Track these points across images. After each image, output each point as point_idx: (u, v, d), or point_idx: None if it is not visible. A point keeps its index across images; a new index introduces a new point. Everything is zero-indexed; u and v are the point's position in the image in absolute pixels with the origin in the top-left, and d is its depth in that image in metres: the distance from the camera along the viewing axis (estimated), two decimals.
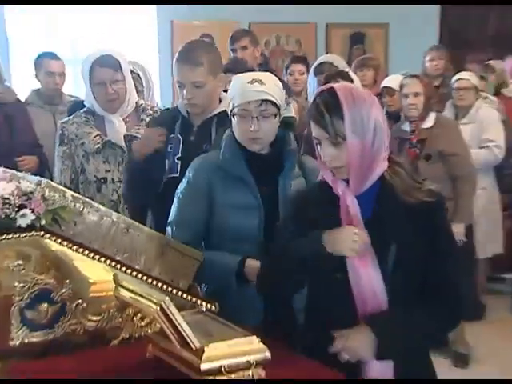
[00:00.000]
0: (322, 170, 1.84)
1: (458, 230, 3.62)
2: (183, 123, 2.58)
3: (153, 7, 6.78)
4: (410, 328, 1.73)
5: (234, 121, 2.20)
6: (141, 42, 6.86)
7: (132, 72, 3.24)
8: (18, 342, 1.78)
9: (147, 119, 2.95)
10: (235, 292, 2.14)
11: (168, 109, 2.70)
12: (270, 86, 2.16)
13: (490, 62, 5.56)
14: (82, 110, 3.06)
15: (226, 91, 2.82)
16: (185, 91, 2.49)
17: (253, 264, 2.08)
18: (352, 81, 3.60)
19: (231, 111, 2.20)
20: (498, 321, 4.21)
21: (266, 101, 2.14)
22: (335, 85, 1.80)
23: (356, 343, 1.69)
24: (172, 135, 2.58)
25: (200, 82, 2.47)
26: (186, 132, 2.58)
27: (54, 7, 6.69)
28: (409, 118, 3.84)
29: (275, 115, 2.17)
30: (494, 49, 7.34)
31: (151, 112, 3.00)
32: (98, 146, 2.95)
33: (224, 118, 2.52)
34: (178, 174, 2.52)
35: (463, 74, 4.59)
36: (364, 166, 1.74)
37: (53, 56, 4.24)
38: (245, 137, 2.18)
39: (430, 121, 3.82)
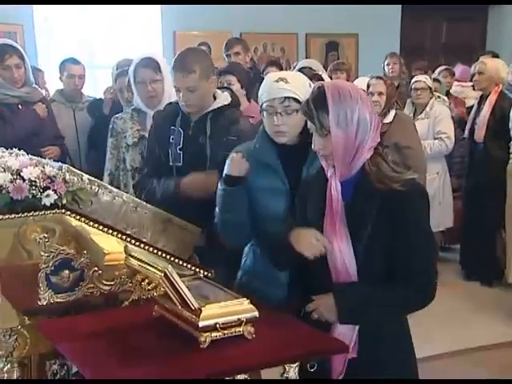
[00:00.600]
0: (321, 158, 1.79)
1: None
2: (183, 118, 2.52)
3: (158, 20, 6.73)
4: (371, 301, 1.68)
5: (263, 116, 2.12)
6: (147, 49, 6.80)
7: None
8: (45, 302, 1.77)
9: None
10: (263, 265, 2.07)
11: (171, 103, 2.64)
12: (294, 85, 2.07)
13: (447, 67, 5.64)
14: (131, 107, 3.03)
15: (220, 88, 2.80)
16: (181, 95, 2.44)
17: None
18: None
19: (261, 107, 2.13)
20: (449, 283, 4.28)
21: (289, 98, 2.05)
22: (325, 83, 1.75)
23: (321, 306, 1.69)
24: (173, 127, 2.53)
25: (193, 87, 2.40)
26: (185, 126, 2.52)
27: (73, 17, 6.61)
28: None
29: (298, 111, 2.05)
30: (445, 56, 7.43)
31: None
32: (135, 139, 2.94)
33: (218, 114, 2.49)
34: (181, 164, 2.47)
35: (420, 77, 4.66)
36: (347, 156, 1.69)
37: (74, 61, 4.24)
38: (271, 130, 2.10)
39: (390, 117, 3.78)
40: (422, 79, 4.58)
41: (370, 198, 1.69)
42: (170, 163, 2.51)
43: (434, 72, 5.61)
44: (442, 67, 5.64)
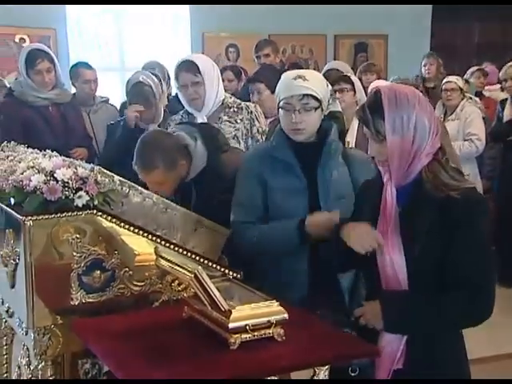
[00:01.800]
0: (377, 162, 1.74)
1: None
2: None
3: (186, 22, 6.77)
4: (421, 313, 1.62)
5: (280, 113, 2.11)
6: (177, 51, 6.85)
7: (144, 84, 3.23)
8: (77, 302, 1.78)
9: (224, 117, 2.85)
10: (281, 266, 2.08)
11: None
12: (312, 82, 2.06)
13: (480, 67, 5.55)
14: (183, 110, 3.04)
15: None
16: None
17: (312, 218, 1.98)
18: (352, 84, 3.57)
19: (278, 104, 2.12)
20: None
21: (308, 95, 2.04)
22: (382, 86, 1.71)
23: (368, 313, 1.66)
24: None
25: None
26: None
27: (104, 20, 6.70)
28: None
29: (316, 108, 2.07)
30: (477, 57, 7.31)
31: (235, 109, 2.88)
32: None
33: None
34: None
35: (450, 78, 4.59)
36: (404, 162, 1.63)
37: (87, 66, 4.25)
38: (288, 127, 2.09)
39: None
40: (453, 80, 4.52)
41: (426, 206, 1.63)
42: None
43: (465, 73, 5.53)
44: (475, 68, 5.55)
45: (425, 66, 5.41)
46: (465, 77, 5.21)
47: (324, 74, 3.92)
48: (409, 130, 1.61)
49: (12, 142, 2.24)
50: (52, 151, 1.99)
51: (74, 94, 4.26)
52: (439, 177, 1.64)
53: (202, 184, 2.32)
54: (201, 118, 2.85)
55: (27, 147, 2.13)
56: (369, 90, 3.50)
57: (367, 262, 1.69)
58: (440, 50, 7.04)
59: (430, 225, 1.62)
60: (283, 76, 2.16)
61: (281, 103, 2.09)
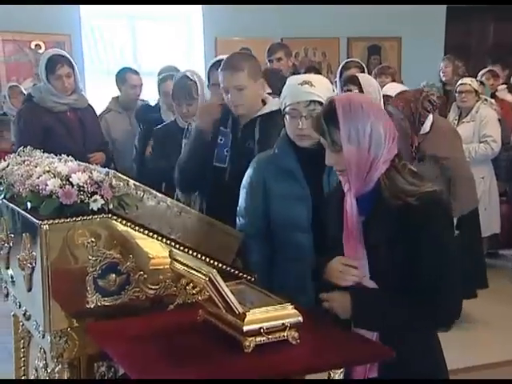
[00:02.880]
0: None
1: None
2: (233, 120, 2.52)
3: (199, 26, 6.81)
4: (388, 310, 1.62)
5: (286, 120, 2.11)
6: (190, 55, 6.89)
7: (189, 78, 3.21)
8: (92, 305, 1.80)
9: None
10: (286, 272, 2.08)
11: (222, 104, 2.64)
12: (319, 88, 2.07)
13: (491, 68, 5.51)
14: None
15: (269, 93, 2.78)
16: (229, 96, 2.43)
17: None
18: (360, 85, 3.55)
19: (283, 110, 2.12)
20: (499, 290, 4.18)
21: (314, 101, 2.04)
22: (337, 97, 1.70)
23: (336, 302, 1.66)
24: (222, 128, 2.53)
25: (241, 86, 2.40)
26: (235, 129, 2.52)
27: (118, 25, 6.75)
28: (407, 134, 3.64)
29: None
30: (492, 58, 7.25)
31: None
32: None
33: (267, 120, 2.46)
34: (226, 165, 2.48)
35: (465, 80, 4.56)
36: (362, 171, 1.64)
37: (134, 71, 4.35)
38: (294, 134, 2.09)
39: (426, 127, 3.60)
40: (467, 82, 4.49)
41: (387, 213, 1.63)
42: (214, 163, 2.52)
43: (477, 74, 5.49)
44: (485, 69, 5.52)
45: (441, 69, 5.41)
46: (477, 78, 5.18)
47: (343, 66, 4.05)
48: (364, 138, 1.61)
49: (29, 147, 2.26)
50: (71, 156, 2.01)
51: (118, 97, 4.33)
52: (396, 183, 1.63)
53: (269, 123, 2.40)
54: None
55: (49, 153, 2.14)
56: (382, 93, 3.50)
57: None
58: (454, 51, 7.01)
59: (392, 232, 1.62)
60: (289, 81, 2.17)
61: (287, 109, 2.10)
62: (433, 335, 1.75)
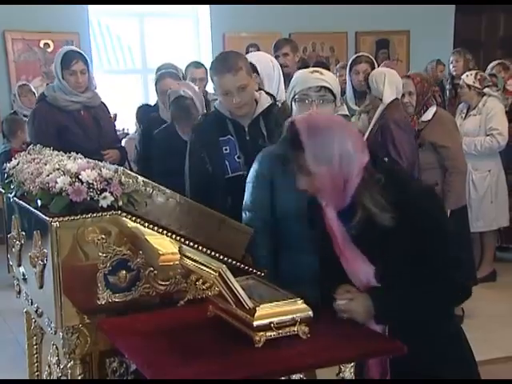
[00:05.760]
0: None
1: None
2: (235, 126, 2.46)
3: (207, 22, 6.81)
4: (407, 298, 1.63)
5: (295, 107, 2.10)
6: (198, 52, 6.89)
7: (185, 97, 3.18)
8: (103, 302, 1.80)
9: None
10: (293, 266, 2.08)
11: (207, 114, 2.60)
12: (328, 77, 2.10)
13: (501, 61, 5.47)
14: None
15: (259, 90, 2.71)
16: (234, 97, 2.38)
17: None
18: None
19: (292, 98, 2.11)
20: (509, 284, 4.17)
21: (325, 88, 2.06)
22: (296, 118, 1.65)
23: (354, 307, 1.65)
24: (222, 138, 2.46)
25: (244, 84, 2.37)
26: (239, 133, 2.47)
27: (126, 23, 6.76)
28: (408, 114, 3.66)
29: (331, 101, 2.08)
30: (502, 50, 7.18)
31: None
32: None
33: (267, 115, 2.45)
34: (242, 172, 2.42)
35: (463, 75, 4.53)
36: (337, 189, 1.61)
37: (197, 64, 4.32)
38: None
39: (429, 115, 3.67)
40: (463, 77, 4.49)
41: (374, 221, 1.60)
42: (229, 174, 2.46)
43: (487, 67, 5.44)
44: (495, 62, 5.47)
45: (451, 63, 5.37)
46: (486, 71, 5.13)
47: (354, 60, 4.11)
48: (334, 158, 1.57)
49: (44, 146, 2.27)
50: (88, 156, 2.00)
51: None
52: (364, 202, 1.60)
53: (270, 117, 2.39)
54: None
55: (65, 152, 2.14)
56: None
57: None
58: (464, 44, 6.97)
59: (388, 230, 1.59)
60: (298, 72, 2.19)
61: (296, 96, 2.09)
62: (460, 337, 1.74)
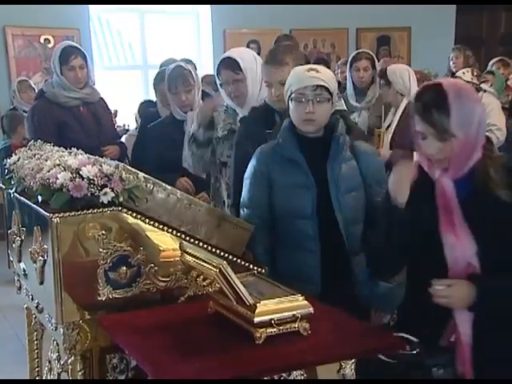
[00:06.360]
0: (419, 159, 1.69)
1: None
2: (282, 118, 2.39)
3: (208, 19, 6.80)
4: (509, 291, 1.61)
5: (292, 106, 2.10)
6: (199, 48, 6.88)
7: (183, 67, 3.17)
8: (104, 298, 1.81)
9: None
10: (291, 262, 2.08)
11: (256, 107, 2.54)
12: (324, 75, 2.08)
13: (501, 58, 5.46)
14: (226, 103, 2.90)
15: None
16: (273, 90, 2.37)
17: None
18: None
19: (289, 97, 2.11)
20: None
21: (321, 86, 2.06)
22: (443, 81, 1.65)
23: (455, 293, 1.61)
24: (269, 131, 2.38)
25: (285, 80, 2.27)
26: None
27: (127, 19, 6.75)
28: None
29: (328, 100, 2.08)
30: (503, 47, 7.17)
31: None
32: (225, 132, 2.78)
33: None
34: None
35: (459, 72, 4.53)
36: (465, 158, 1.63)
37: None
38: (300, 119, 2.09)
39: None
40: (459, 75, 4.49)
41: (485, 195, 1.61)
42: None
43: (487, 64, 5.44)
44: (496, 58, 5.46)
45: (451, 59, 5.36)
46: (488, 68, 5.13)
47: (354, 56, 4.07)
48: (473, 125, 1.60)
49: (40, 141, 2.26)
50: (88, 152, 2.00)
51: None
52: (489, 174, 1.62)
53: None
54: (241, 114, 2.72)
55: (65, 149, 2.14)
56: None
57: (426, 251, 1.66)
58: (465, 41, 6.96)
59: (496, 213, 1.59)
60: (294, 69, 2.16)
61: (293, 95, 2.09)
62: None
